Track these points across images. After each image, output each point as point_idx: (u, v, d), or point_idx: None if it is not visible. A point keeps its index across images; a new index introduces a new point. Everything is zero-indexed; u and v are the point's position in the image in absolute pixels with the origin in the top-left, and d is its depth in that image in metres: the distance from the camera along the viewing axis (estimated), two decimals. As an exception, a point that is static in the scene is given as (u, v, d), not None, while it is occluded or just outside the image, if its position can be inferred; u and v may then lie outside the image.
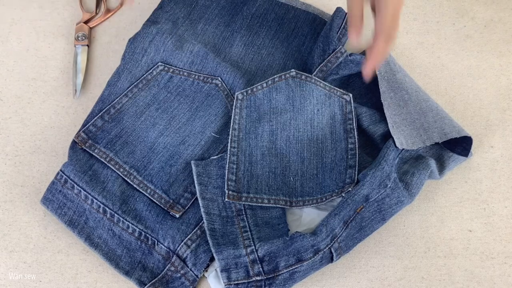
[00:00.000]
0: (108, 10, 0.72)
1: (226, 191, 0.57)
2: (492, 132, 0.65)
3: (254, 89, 0.63)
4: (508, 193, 0.61)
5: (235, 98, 0.63)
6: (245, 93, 0.63)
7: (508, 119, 0.66)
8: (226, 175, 0.58)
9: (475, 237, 0.59)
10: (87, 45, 0.69)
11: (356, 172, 0.58)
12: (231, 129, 0.61)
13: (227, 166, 0.58)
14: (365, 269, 0.57)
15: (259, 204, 0.57)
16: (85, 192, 0.57)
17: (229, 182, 0.57)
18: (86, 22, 0.71)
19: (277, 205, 0.57)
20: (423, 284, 0.57)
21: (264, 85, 0.63)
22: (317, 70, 0.63)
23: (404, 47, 0.71)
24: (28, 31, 0.71)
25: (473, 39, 0.72)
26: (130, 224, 0.56)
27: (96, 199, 0.56)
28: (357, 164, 0.59)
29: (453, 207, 0.61)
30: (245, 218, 0.57)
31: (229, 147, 0.60)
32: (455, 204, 0.61)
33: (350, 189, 0.57)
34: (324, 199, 0.57)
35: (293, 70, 0.63)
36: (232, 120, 0.61)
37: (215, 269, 0.55)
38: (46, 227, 0.59)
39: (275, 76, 0.63)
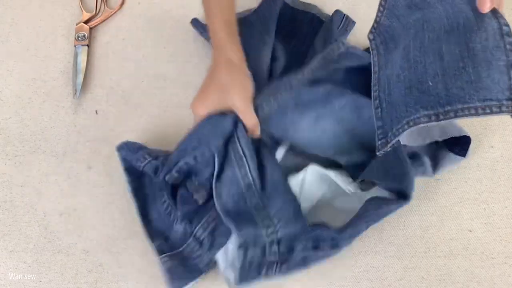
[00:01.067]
0: (108, 10, 0.72)
1: (378, 142, 0.51)
2: (492, 132, 0.65)
3: (381, 19, 0.55)
4: (508, 193, 0.61)
5: (369, 40, 0.55)
6: (374, 29, 0.55)
7: (508, 119, 0.66)
8: (375, 123, 0.52)
9: (475, 237, 0.59)
10: (87, 45, 0.69)
11: None
12: (372, 73, 0.53)
13: (374, 113, 0.52)
14: (365, 269, 0.57)
15: (399, 136, 0.48)
16: (150, 152, 0.58)
17: (379, 132, 0.51)
18: (86, 22, 0.71)
19: (419, 124, 0.46)
20: (423, 284, 0.57)
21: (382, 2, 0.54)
22: (319, 58, 0.61)
23: (404, 47, 0.71)
24: (28, 31, 0.71)
25: (473, 39, 0.72)
26: (165, 194, 0.57)
27: (155, 160, 0.57)
28: None
29: (453, 207, 0.61)
30: (255, 193, 0.55)
31: (372, 93, 0.53)
32: (455, 204, 0.61)
33: None
34: (488, 111, 0.42)
35: None
36: (372, 64, 0.54)
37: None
38: (46, 227, 0.59)
39: None
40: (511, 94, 0.42)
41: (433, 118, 0.45)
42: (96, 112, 0.66)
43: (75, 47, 0.69)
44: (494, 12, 0.45)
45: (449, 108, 0.44)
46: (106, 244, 0.58)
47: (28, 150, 0.63)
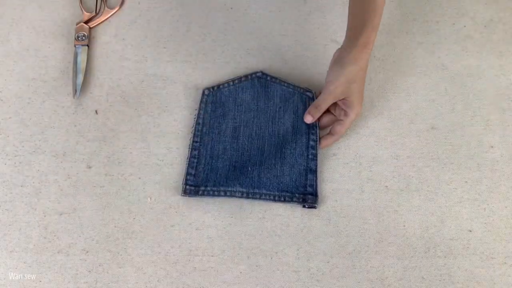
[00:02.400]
0: (108, 10, 0.72)
1: (183, 186, 0.60)
2: (492, 132, 0.65)
3: (221, 86, 0.67)
4: (508, 193, 0.61)
5: (202, 93, 0.66)
6: (211, 89, 0.67)
7: (508, 119, 0.66)
8: (186, 169, 0.61)
9: (475, 237, 0.59)
10: (87, 45, 0.69)
11: (316, 182, 0.60)
12: (195, 124, 0.64)
13: (188, 160, 0.61)
14: (365, 269, 0.57)
15: (215, 197, 0.60)
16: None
17: (188, 177, 0.61)
18: (86, 22, 0.71)
19: (233, 196, 0.59)
20: (423, 284, 0.57)
21: (231, 83, 0.67)
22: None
23: (404, 47, 0.71)
24: (28, 31, 0.71)
25: (473, 39, 0.72)
26: None
27: None
28: (317, 171, 0.61)
29: (453, 207, 0.61)
30: None
31: (191, 141, 0.63)
32: (455, 204, 0.61)
33: (315, 204, 0.59)
34: (282, 199, 0.59)
35: (259, 71, 0.67)
36: (197, 115, 0.65)
37: None
38: (46, 227, 0.59)
39: (242, 75, 0.67)
40: (304, 190, 0.60)
41: (244, 195, 0.59)
42: (96, 112, 0.66)
43: (75, 47, 0.69)
44: (310, 128, 0.63)
45: (257, 190, 0.60)
46: (106, 244, 0.58)
47: (28, 150, 0.63)
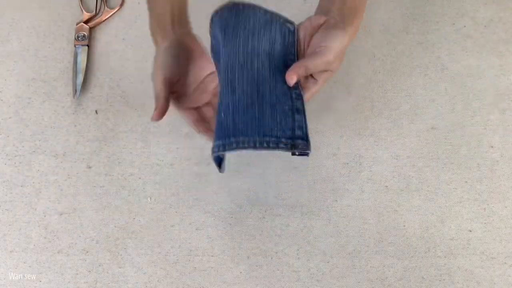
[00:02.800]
0: (108, 10, 0.72)
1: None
2: (492, 132, 0.65)
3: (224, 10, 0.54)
4: (508, 193, 0.61)
5: (211, 17, 0.55)
6: (219, 10, 0.54)
7: (508, 119, 0.66)
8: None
9: (475, 237, 0.59)
10: (87, 45, 0.69)
11: (306, 124, 0.48)
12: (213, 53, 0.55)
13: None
14: (365, 269, 0.57)
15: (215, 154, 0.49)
16: None
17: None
18: (86, 22, 0.71)
19: (214, 153, 0.48)
20: (423, 284, 0.57)
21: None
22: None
23: (404, 47, 0.71)
24: (28, 31, 0.71)
25: (473, 39, 0.72)
26: None
27: None
28: (305, 111, 0.48)
29: (453, 207, 0.61)
30: None
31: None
32: (455, 204, 0.61)
33: (308, 150, 0.47)
34: (265, 145, 0.46)
35: (230, 1, 0.54)
36: (215, 42, 0.55)
37: None
38: (46, 227, 0.59)
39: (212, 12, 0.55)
40: (292, 134, 0.46)
41: (221, 148, 0.47)
42: (96, 112, 0.66)
43: (75, 47, 0.69)
44: (288, 68, 0.49)
45: (233, 139, 0.47)
46: (106, 244, 0.58)
47: (28, 150, 0.63)
